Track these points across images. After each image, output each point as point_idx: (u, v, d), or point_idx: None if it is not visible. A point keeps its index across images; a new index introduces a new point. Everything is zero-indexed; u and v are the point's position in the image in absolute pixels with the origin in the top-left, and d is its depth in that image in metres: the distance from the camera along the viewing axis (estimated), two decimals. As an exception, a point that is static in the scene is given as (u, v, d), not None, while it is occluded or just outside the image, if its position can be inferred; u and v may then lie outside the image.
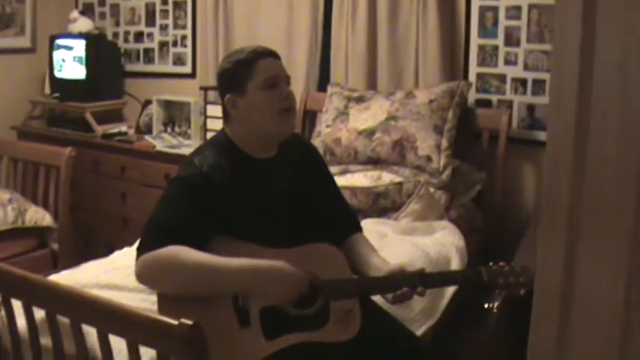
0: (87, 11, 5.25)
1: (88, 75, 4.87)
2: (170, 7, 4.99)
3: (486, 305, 2.51)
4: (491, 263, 2.31)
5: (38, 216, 3.99)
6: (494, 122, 3.72)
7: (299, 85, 4.26)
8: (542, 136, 3.66)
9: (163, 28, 5.05)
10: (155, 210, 2.15)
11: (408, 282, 2.20)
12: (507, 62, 3.79)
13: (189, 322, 1.71)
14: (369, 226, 2.92)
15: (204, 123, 4.35)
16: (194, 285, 2.05)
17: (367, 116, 3.75)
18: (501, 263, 2.31)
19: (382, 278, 2.24)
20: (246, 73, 2.24)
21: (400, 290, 2.19)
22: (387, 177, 3.47)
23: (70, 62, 4.93)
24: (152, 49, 5.13)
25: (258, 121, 2.25)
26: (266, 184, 2.28)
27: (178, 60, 5.00)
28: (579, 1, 1.12)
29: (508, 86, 3.81)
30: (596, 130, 1.13)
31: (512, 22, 3.75)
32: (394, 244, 2.98)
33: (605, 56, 1.11)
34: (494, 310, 2.51)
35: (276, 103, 2.23)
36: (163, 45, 5.07)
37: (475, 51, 3.88)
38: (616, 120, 1.11)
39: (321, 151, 3.11)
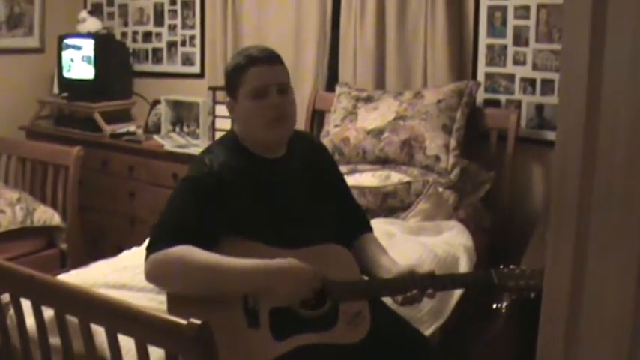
0: (95, 11, 5.28)
1: (96, 75, 4.88)
2: (178, 7, 5.00)
3: (495, 306, 2.50)
4: (502, 266, 2.27)
5: (47, 216, 4.00)
6: (503, 122, 3.72)
7: (307, 84, 4.27)
8: (550, 135, 3.65)
9: (172, 28, 5.06)
10: (165, 209, 2.15)
11: (419, 284, 2.18)
12: (516, 62, 3.78)
13: (198, 322, 1.71)
14: (378, 226, 2.90)
15: (213, 123, 4.35)
16: (204, 286, 2.04)
17: (376, 116, 3.75)
18: (512, 266, 2.27)
19: (392, 280, 2.22)
20: (237, 80, 2.23)
21: (410, 292, 2.18)
22: (395, 177, 3.47)
23: (78, 62, 4.94)
24: (160, 49, 5.14)
25: (247, 129, 2.25)
26: (276, 183, 2.27)
27: (187, 60, 5.01)
28: (588, 0, 1.11)
29: (517, 86, 3.80)
30: (605, 130, 1.13)
31: (521, 22, 3.74)
32: (402, 243, 2.97)
33: (614, 55, 1.10)
34: (503, 311, 2.50)
35: (264, 112, 2.19)
36: (172, 45, 5.08)
37: (484, 51, 3.87)
38: (626, 119, 1.11)
39: (329, 150, 3.11)
